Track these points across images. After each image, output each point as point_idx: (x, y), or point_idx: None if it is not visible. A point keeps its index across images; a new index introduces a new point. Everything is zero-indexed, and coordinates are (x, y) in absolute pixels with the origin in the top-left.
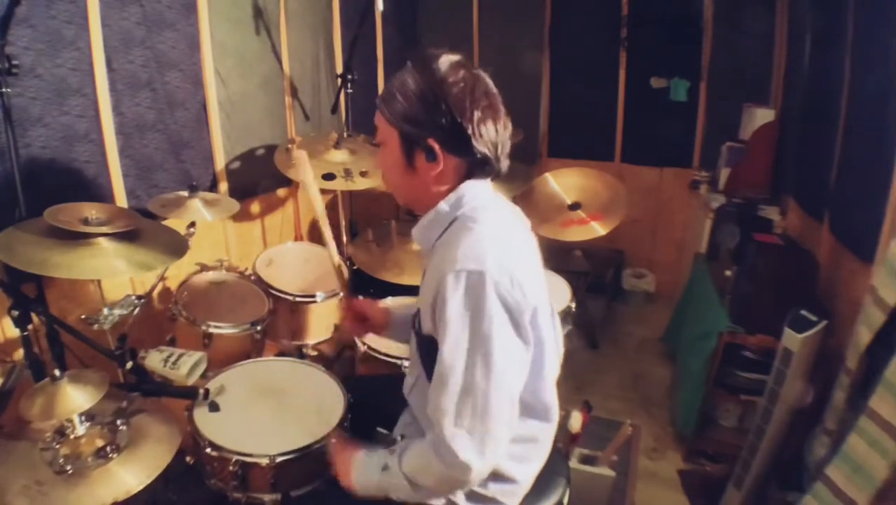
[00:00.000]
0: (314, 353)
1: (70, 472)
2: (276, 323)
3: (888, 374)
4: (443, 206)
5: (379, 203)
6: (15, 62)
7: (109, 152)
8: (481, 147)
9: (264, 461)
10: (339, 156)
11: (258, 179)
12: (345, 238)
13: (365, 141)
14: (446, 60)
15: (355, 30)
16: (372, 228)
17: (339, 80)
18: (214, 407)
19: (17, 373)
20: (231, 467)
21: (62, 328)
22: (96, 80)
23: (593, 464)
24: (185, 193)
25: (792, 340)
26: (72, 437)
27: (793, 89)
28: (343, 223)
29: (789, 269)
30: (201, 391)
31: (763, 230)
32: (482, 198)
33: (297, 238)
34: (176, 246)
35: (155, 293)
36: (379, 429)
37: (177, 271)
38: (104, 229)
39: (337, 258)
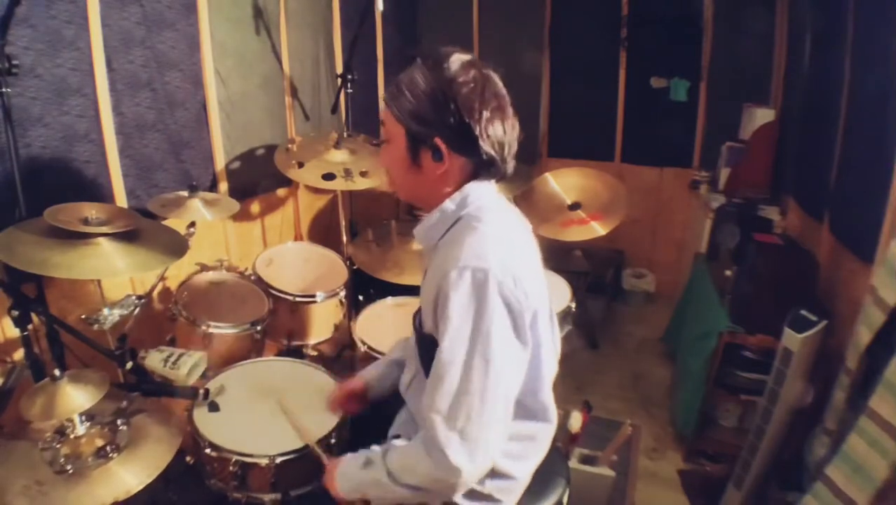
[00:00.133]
0: (314, 353)
1: (70, 472)
2: (276, 323)
3: (888, 374)
4: (448, 204)
5: (379, 203)
6: (15, 62)
7: (109, 152)
8: (488, 148)
9: (264, 461)
10: (339, 156)
11: (258, 179)
12: (345, 238)
13: (365, 141)
14: (457, 59)
15: (355, 30)
16: (372, 228)
17: (339, 80)
18: (214, 407)
19: (17, 373)
20: (231, 467)
21: (62, 328)
22: (96, 80)
23: (593, 464)
24: (185, 193)
25: (792, 340)
26: (72, 437)
27: (793, 89)
28: (343, 223)
29: (789, 269)
30: (201, 391)
31: (763, 230)
32: (487, 199)
33: (297, 238)
34: (176, 246)
35: (155, 293)
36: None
37: (177, 271)
38: (104, 229)
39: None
